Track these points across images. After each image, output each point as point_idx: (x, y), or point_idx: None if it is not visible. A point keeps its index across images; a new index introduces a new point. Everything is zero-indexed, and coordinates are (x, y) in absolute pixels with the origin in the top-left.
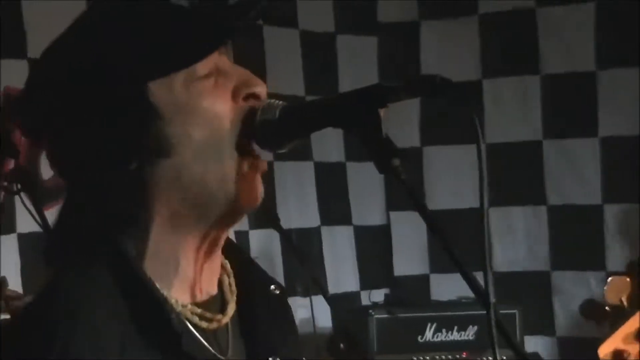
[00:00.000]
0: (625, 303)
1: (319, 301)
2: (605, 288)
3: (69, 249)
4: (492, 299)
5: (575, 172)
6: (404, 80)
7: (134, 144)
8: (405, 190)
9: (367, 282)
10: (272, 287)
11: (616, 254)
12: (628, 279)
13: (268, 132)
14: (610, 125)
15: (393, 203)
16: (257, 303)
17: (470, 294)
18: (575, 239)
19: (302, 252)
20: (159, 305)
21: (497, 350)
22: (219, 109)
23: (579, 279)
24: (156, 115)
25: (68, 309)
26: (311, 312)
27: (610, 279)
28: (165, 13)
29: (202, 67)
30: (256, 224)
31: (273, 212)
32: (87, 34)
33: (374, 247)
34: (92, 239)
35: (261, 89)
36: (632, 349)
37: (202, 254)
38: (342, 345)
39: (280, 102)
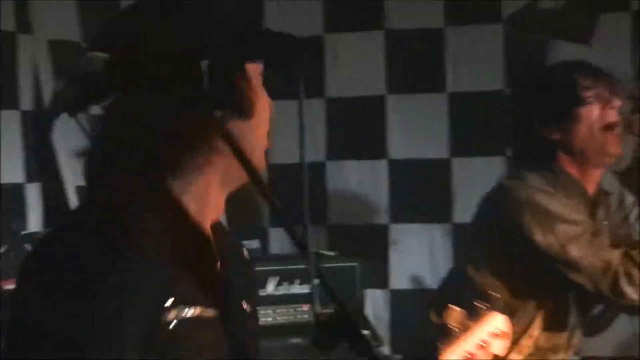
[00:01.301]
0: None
1: None
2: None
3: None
4: (331, 252)
5: (420, 126)
6: (232, 35)
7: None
8: (228, 144)
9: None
10: (245, 251)
11: (462, 207)
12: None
13: (92, 85)
14: (458, 80)
15: None
16: (232, 264)
17: (311, 247)
18: (420, 192)
19: None
20: (209, 247)
21: (317, 301)
22: None
23: (424, 232)
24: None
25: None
26: None
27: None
28: None
29: None
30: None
31: None
32: None
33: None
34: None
35: None
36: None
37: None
38: None
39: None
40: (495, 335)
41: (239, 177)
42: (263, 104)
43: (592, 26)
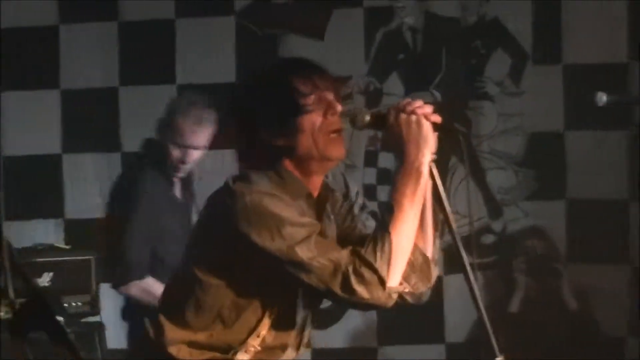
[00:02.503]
0: None
1: None
2: None
3: None
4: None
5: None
6: None
7: None
8: None
9: None
10: None
11: None
12: None
13: None
14: (186, 73)
15: None
16: None
17: (46, 240)
18: None
19: None
20: None
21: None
22: None
23: None
24: None
25: None
26: None
27: None
28: None
29: None
30: None
31: None
32: None
33: None
34: None
35: None
36: None
37: None
38: None
39: None
40: None
41: None
42: None
43: (325, 21)
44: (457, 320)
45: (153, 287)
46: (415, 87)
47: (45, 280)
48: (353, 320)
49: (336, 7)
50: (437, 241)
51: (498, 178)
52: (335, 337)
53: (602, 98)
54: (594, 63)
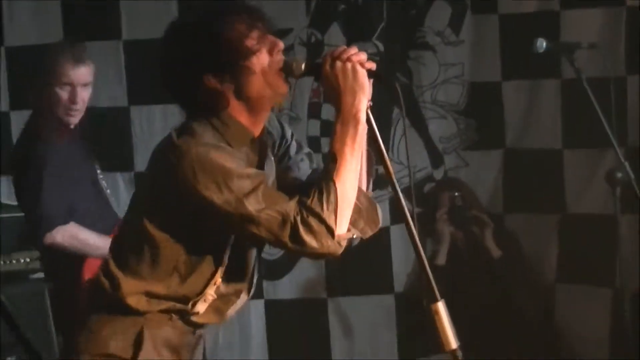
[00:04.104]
0: None
1: None
2: None
3: None
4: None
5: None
6: None
7: None
8: None
9: None
10: None
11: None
12: None
13: None
14: (132, 28)
15: None
16: None
17: None
18: (102, 142)
19: None
20: None
21: None
22: None
23: (108, 179)
24: None
25: None
26: None
27: None
28: None
29: None
30: None
31: None
32: None
33: None
34: None
35: None
36: None
37: None
38: None
39: None
40: None
41: None
42: None
43: None
44: (405, 270)
45: (79, 232)
46: (356, 37)
47: None
48: (304, 271)
49: None
50: (371, 186)
51: (439, 127)
52: (286, 288)
53: (542, 44)
54: (528, 12)
